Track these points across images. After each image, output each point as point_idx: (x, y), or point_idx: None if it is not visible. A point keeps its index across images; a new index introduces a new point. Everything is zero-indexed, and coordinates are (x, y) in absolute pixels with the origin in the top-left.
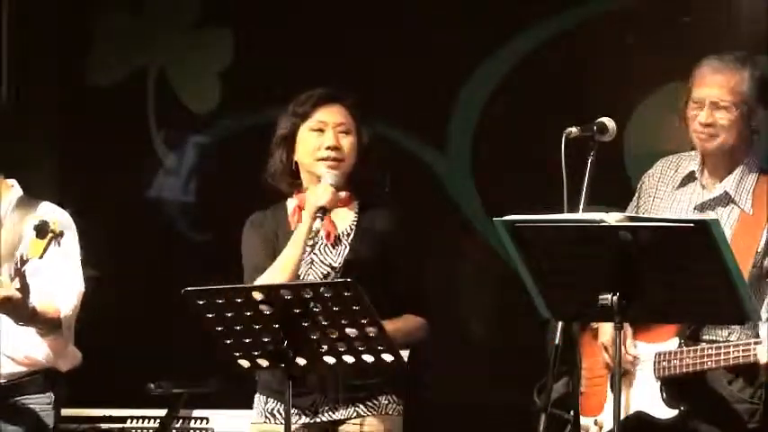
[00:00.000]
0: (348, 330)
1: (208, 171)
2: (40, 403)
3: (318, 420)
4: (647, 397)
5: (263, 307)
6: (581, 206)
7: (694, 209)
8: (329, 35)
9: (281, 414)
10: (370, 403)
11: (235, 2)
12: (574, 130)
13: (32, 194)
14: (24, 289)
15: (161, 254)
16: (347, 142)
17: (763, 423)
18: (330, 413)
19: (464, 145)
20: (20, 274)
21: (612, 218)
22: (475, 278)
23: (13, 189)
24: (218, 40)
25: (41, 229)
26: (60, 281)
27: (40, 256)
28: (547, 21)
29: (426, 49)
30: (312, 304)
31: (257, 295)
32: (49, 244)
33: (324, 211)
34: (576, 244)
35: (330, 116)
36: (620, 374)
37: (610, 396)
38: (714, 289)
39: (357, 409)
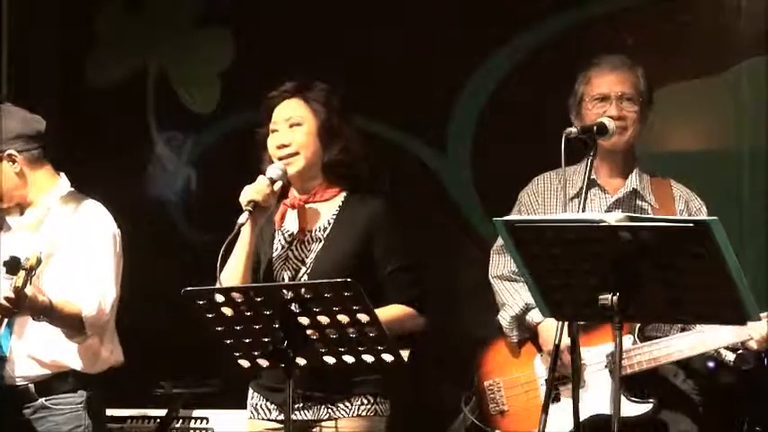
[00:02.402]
0: (348, 330)
1: (208, 171)
2: (71, 403)
3: (293, 418)
4: (604, 399)
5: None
6: (581, 206)
7: (605, 212)
8: (329, 35)
9: (262, 410)
10: (342, 405)
11: (235, 2)
12: (574, 130)
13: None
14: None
15: (161, 254)
16: (299, 133)
17: (706, 408)
18: (306, 411)
19: (464, 145)
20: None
21: (612, 218)
22: (475, 278)
23: (61, 183)
24: (218, 40)
25: (12, 266)
26: (80, 280)
27: (20, 290)
28: (547, 21)
29: (426, 48)
30: (312, 304)
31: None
32: (26, 279)
33: (254, 206)
34: (575, 244)
35: (279, 114)
36: (619, 379)
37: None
38: (714, 289)
39: (329, 410)
